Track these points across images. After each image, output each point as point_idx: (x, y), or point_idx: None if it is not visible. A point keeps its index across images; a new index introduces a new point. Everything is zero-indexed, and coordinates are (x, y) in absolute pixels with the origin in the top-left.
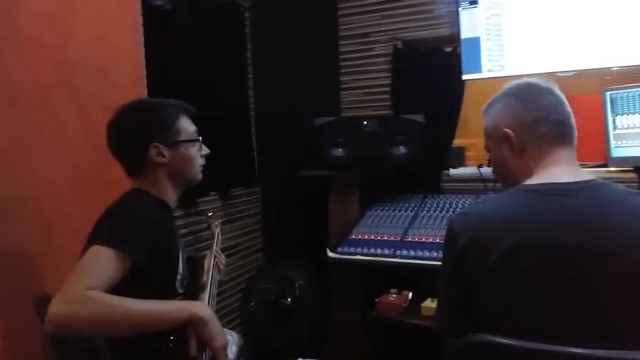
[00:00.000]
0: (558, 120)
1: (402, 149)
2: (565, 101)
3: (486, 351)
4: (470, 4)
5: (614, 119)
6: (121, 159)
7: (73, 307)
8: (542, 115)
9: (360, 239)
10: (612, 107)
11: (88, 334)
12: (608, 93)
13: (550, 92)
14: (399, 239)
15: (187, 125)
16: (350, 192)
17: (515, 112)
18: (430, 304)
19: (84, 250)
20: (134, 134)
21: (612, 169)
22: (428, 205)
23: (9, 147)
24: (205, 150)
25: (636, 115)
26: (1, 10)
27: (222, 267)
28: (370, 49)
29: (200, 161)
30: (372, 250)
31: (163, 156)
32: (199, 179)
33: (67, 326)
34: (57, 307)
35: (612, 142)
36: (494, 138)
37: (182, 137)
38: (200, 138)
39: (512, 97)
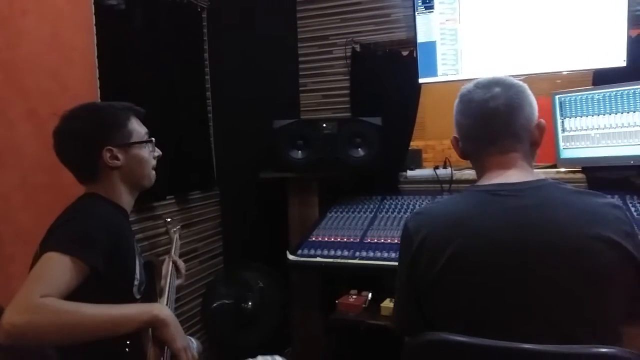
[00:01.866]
0: (493, 129)
1: (360, 151)
2: (514, 106)
3: (441, 349)
4: (426, 9)
5: (562, 122)
6: (73, 166)
7: (28, 316)
8: (476, 123)
9: (320, 241)
10: (561, 110)
11: (45, 342)
12: (557, 96)
13: (493, 97)
14: (358, 240)
15: (137, 127)
16: (310, 194)
17: (457, 114)
18: (389, 304)
19: (36, 256)
20: (85, 138)
21: (562, 169)
22: (386, 206)
23: None
24: (157, 152)
25: (583, 117)
26: None
27: (182, 271)
28: (329, 52)
29: (153, 163)
30: (332, 252)
31: (117, 159)
32: (152, 181)
33: (23, 336)
34: (12, 317)
35: (561, 144)
36: None
37: (134, 139)
38: (153, 139)
39: (460, 97)
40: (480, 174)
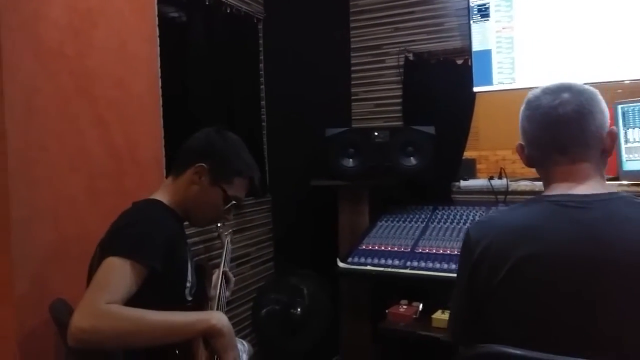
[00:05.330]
0: (562, 137)
1: (412, 160)
2: (584, 113)
3: None
4: (482, 17)
5: (625, 133)
6: (179, 153)
7: (95, 322)
8: (544, 130)
9: (370, 249)
10: (623, 121)
11: (109, 346)
12: (619, 106)
13: (562, 104)
14: (409, 250)
15: (239, 186)
16: (361, 202)
17: (523, 121)
18: (440, 315)
19: (95, 256)
20: (202, 146)
21: (624, 182)
22: (438, 216)
23: (30, 154)
24: (229, 219)
25: None
26: (24, 21)
27: (231, 284)
28: (381, 61)
29: (217, 218)
30: (383, 261)
31: (198, 180)
32: (199, 226)
33: (90, 340)
34: (80, 322)
35: (624, 156)
36: None
37: (226, 188)
38: (234, 203)
39: (526, 103)
40: (547, 183)
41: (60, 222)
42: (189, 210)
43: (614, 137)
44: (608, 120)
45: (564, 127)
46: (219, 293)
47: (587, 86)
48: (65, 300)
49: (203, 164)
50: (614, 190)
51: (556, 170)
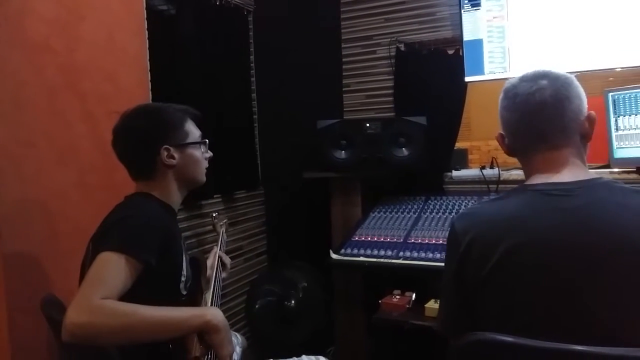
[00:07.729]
0: (541, 123)
1: (404, 151)
2: (561, 98)
3: (488, 349)
4: (473, 7)
5: (616, 120)
6: (130, 162)
7: (90, 317)
8: (522, 117)
9: (363, 240)
10: (614, 108)
11: (104, 342)
12: (610, 94)
13: (539, 90)
14: (402, 240)
15: (192, 129)
16: (353, 194)
17: (502, 110)
18: (433, 304)
19: (88, 251)
20: (145, 136)
21: (615, 170)
22: (431, 207)
23: (17, 150)
24: (209, 153)
25: (638, 116)
26: (10, 15)
27: (228, 265)
28: (372, 52)
29: (205, 164)
30: (375, 252)
31: (173, 158)
32: (204, 181)
33: (85, 335)
34: (74, 317)
35: (615, 143)
36: None
37: (190, 140)
38: (206, 141)
39: (504, 92)
40: (529, 172)
41: (50, 217)
42: (187, 186)
43: (592, 121)
44: (586, 105)
45: (541, 113)
46: (215, 275)
47: (563, 72)
48: (56, 296)
49: (165, 146)
50: (597, 176)
51: (537, 158)
